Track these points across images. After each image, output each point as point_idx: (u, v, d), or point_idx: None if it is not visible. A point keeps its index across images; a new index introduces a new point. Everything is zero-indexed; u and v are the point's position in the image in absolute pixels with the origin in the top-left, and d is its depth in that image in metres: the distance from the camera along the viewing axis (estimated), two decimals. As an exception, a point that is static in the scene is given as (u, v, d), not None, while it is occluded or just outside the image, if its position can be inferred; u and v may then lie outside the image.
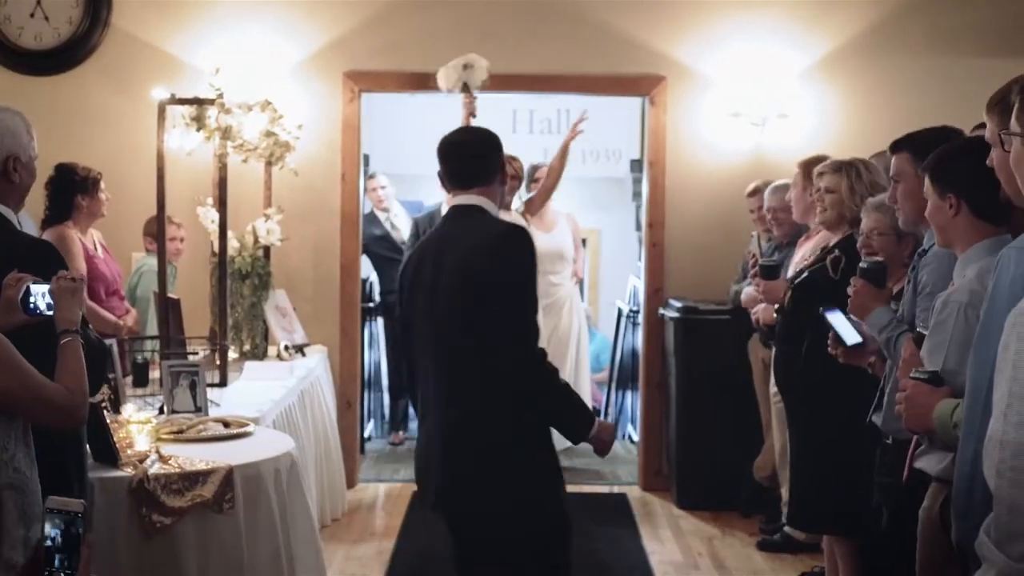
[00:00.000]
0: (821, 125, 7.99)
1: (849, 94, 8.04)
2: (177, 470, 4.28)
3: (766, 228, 7.01)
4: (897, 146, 4.20)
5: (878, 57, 8.01)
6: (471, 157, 4.07)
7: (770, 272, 5.63)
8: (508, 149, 13.33)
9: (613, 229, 12.48)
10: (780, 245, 6.74)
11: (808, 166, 6.21)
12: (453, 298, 3.87)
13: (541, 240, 8.46)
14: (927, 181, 3.64)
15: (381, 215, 9.57)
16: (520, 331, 3.84)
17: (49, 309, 3.36)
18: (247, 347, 7.06)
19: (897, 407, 3.36)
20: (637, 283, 9.79)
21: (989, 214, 3.48)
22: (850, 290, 4.28)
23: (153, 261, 7.13)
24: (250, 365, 6.60)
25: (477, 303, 3.82)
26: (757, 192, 7.19)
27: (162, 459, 4.38)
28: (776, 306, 5.66)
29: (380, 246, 9.52)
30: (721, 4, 7.98)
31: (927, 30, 7.99)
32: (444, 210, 8.86)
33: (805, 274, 5.25)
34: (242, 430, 4.94)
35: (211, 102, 6.28)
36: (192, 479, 4.26)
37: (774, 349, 5.68)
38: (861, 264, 4.32)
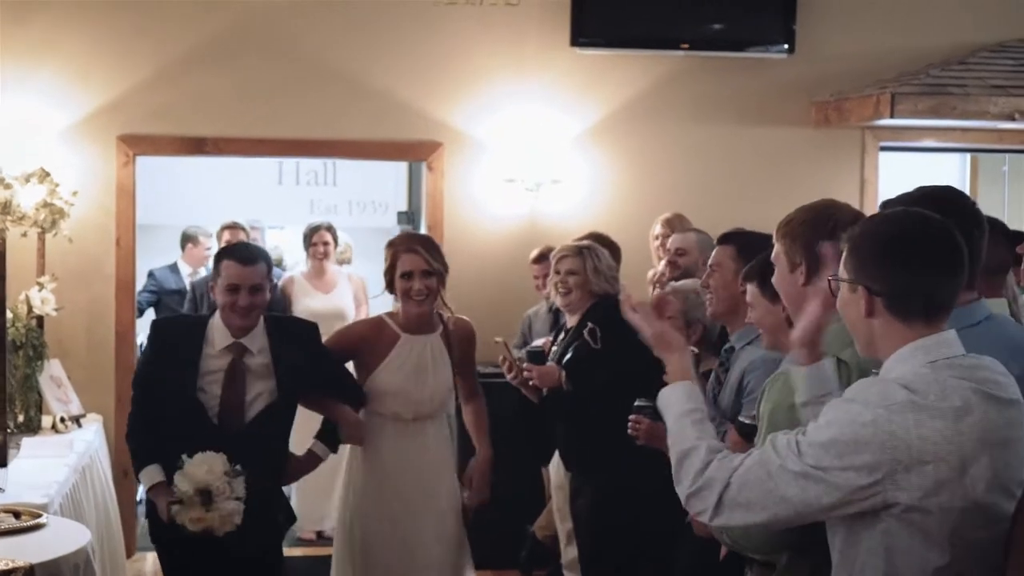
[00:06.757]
0: (593, 190, 8.25)
1: (620, 160, 8.32)
2: (-23, 572, 4.16)
3: (547, 295, 7.19)
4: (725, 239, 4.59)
5: (646, 124, 8.31)
6: None
7: (537, 358, 5.74)
8: (274, 202, 13.23)
9: (380, 279, 12.48)
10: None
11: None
12: None
13: (318, 301, 8.56)
14: None
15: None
16: None
17: None
18: (20, 419, 6.87)
19: None
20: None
21: None
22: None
23: None
24: (28, 441, 6.42)
25: None
26: (543, 259, 7.32)
27: (-41, 559, 4.25)
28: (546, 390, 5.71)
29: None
30: (496, 71, 8.16)
31: (691, 99, 8.33)
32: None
33: (569, 352, 5.49)
34: (36, 522, 4.82)
35: (-12, 176, 6.12)
36: (-8, 581, 4.16)
37: (560, 428, 5.82)
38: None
